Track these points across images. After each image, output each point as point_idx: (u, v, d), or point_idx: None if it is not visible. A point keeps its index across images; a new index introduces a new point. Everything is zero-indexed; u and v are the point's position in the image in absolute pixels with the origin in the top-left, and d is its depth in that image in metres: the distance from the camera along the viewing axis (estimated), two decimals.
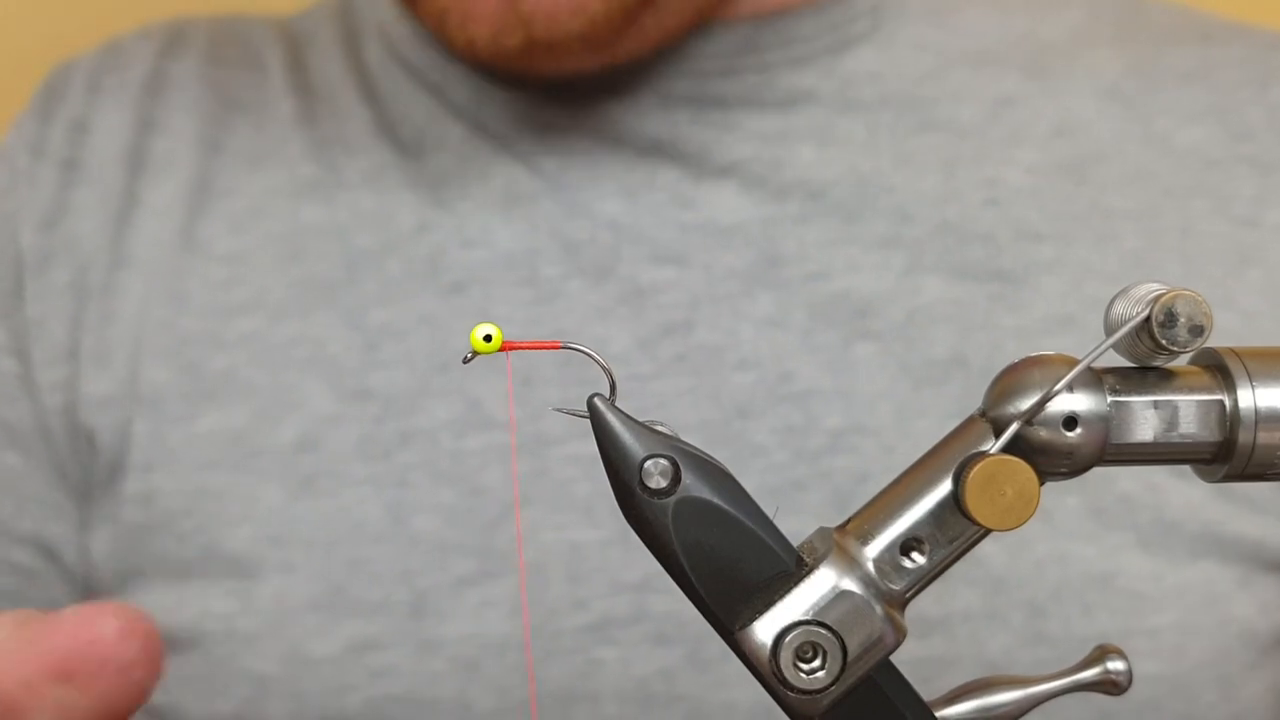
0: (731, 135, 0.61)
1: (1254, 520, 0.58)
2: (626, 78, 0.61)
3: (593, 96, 0.62)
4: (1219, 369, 0.36)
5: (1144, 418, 0.35)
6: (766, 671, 0.34)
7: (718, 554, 0.35)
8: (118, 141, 0.65)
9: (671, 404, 0.57)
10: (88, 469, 0.62)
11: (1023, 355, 0.57)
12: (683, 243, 0.60)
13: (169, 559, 0.59)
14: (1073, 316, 0.59)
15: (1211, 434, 0.35)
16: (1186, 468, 0.36)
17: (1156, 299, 0.34)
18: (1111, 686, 0.37)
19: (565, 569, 0.56)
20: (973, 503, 0.34)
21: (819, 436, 0.57)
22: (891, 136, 0.61)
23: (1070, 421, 0.35)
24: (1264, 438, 0.35)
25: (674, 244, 0.60)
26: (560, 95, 0.62)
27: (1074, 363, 0.35)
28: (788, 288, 0.59)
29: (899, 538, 0.35)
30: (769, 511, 0.35)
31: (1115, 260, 0.60)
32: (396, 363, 0.59)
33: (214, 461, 0.60)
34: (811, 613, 0.34)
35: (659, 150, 0.61)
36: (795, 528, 0.49)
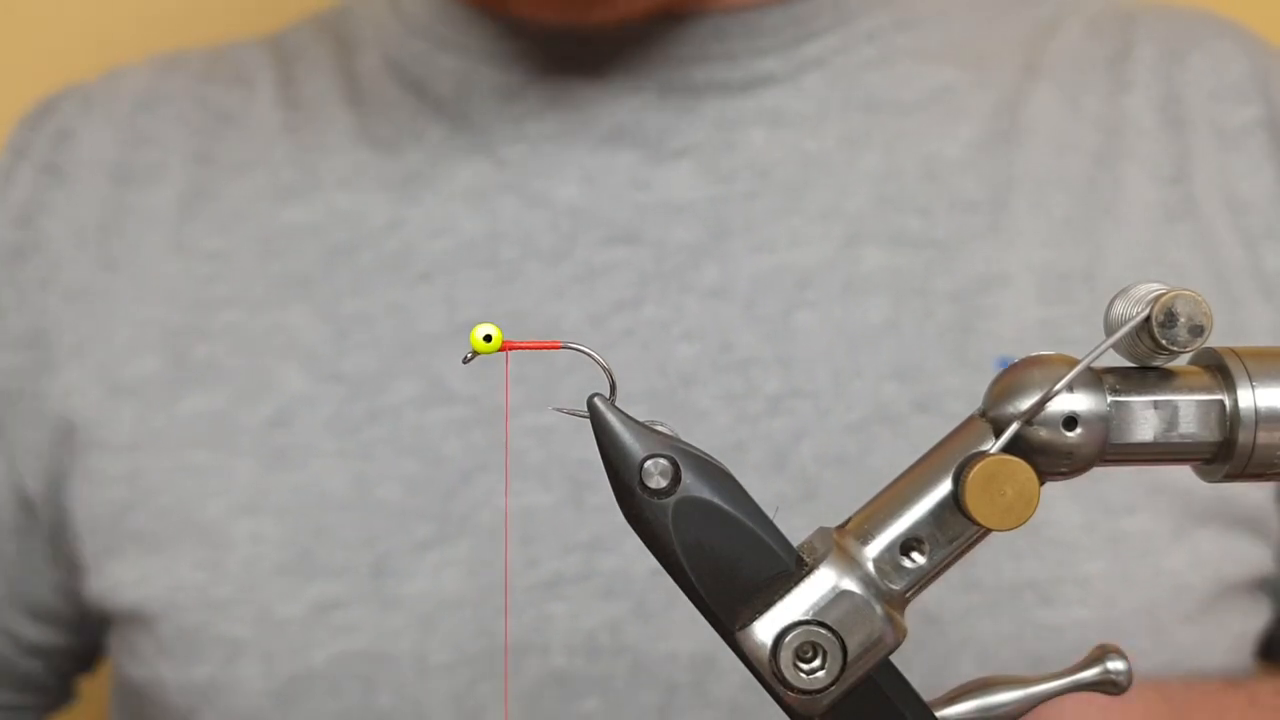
0: (689, 119, 0.64)
1: (1185, 472, 0.59)
2: (605, 61, 0.65)
3: (571, 78, 0.65)
4: (1219, 369, 0.36)
5: (1144, 418, 0.35)
6: (766, 671, 0.34)
7: (718, 554, 0.35)
8: (103, 155, 0.69)
9: (620, 375, 0.60)
10: (57, 450, 0.65)
11: (954, 316, 0.60)
12: (637, 222, 0.63)
13: (144, 534, 0.62)
14: (1006, 275, 0.62)
15: (1211, 434, 0.35)
16: None
17: (1156, 299, 0.34)
18: (1111, 686, 0.37)
19: (519, 530, 0.60)
20: (973, 502, 0.34)
21: (758, 401, 0.60)
22: (838, 117, 0.65)
23: (1070, 421, 0.35)
24: (1264, 437, 0.35)
25: (629, 224, 0.63)
26: (550, 70, 0.65)
27: (1074, 363, 0.35)
28: (734, 260, 0.62)
29: (899, 538, 0.35)
30: (769, 512, 0.35)
31: (1047, 223, 0.63)
32: (366, 347, 0.63)
33: (194, 440, 0.63)
34: (811, 613, 0.34)
35: (621, 135, 0.64)
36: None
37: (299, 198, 0.66)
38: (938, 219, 0.63)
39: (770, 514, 0.35)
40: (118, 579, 0.63)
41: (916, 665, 0.56)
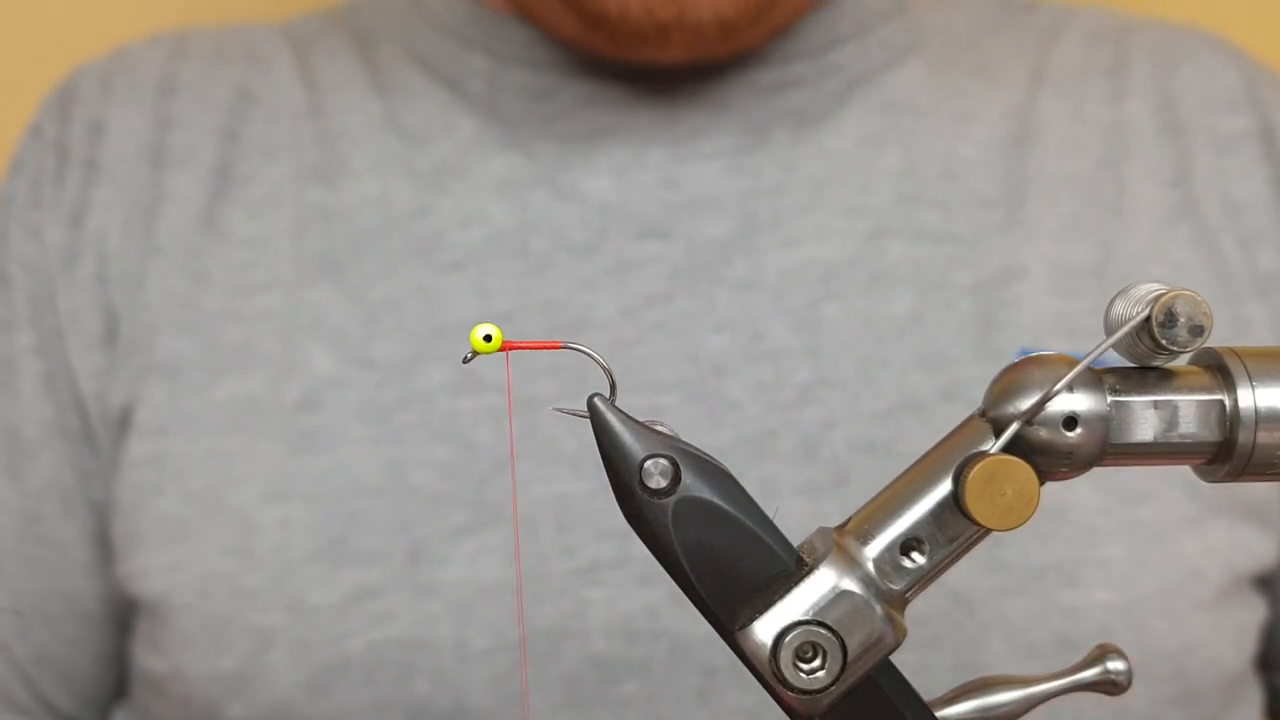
0: (719, 119, 0.65)
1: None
2: (639, 74, 0.65)
3: (603, 83, 0.66)
4: (1219, 369, 0.36)
5: (1144, 418, 0.35)
6: (766, 671, 0.34)
7: (718, 554, 0.35)
8: (137, 140, 0.68)
9: (652, 365, 0.62)
10: (113, 452, 0.65)
11: (975, 308, 0.62)
12: (667, 217, 0.64)
13: (169, 520, 0.62)
14: (1023, 268, 0.64)
15: (1211, 434, 0.35)
16: None
17: (1156, 299, 0.34)
18: (1111, 686, 0.37)
19: (554, 519, 0.60)
20: (973, 502, 0.34)
21: (789, 390, 0.62)
22: (858, 117, 0.66)
23: (1070, 421, 0.35)
24: (1264, 437, 0.35)
25: (659, 219, 0.64)
26: (583, 76, 0.66)
27: (1074, 363, 0.35)
28: (763, 254, 0.63)
29: (899, 537, 0.35)
30: (769, 511, 0.35)
31: (1057, 220, 0.65)
32: (395, 332, 0.63)
33: (226, 426, 0.63)
34: (811, 613, 0.34)
35: (652, 134, 0.65)
36: (769, 473, 0.61)
37: (327, 181, 0.66)
38: (956, 214, 0.65)
39: (770, 514, 0.35)
40: (145, 565, 0.62)
41: (949, 646, 0.58)
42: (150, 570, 0.62)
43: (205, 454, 0.63)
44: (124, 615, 0.66)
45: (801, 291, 0.63)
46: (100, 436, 0.65)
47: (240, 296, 0.65)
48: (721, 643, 0.57)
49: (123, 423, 0.65)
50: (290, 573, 0.60)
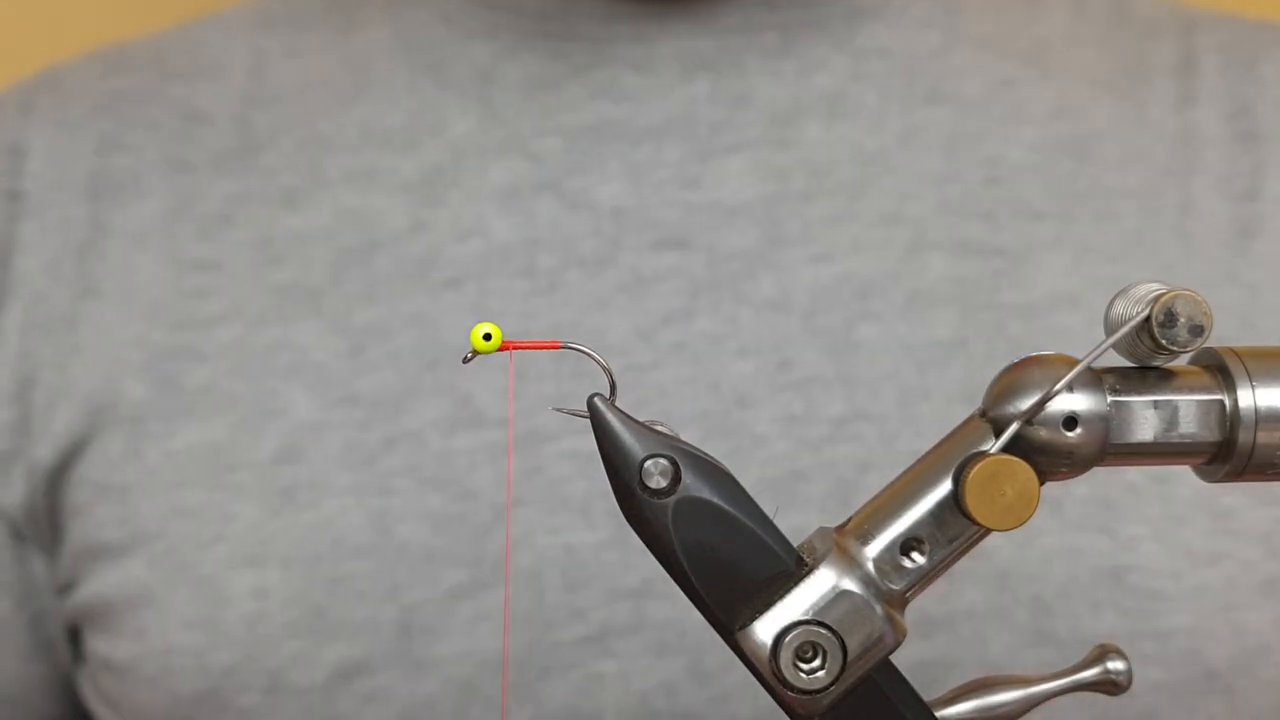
0: (742, 111, 0.60)
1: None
2: (648, 34, 0.60)
3: (613, 54, 0.60)
4: (1219, 369, 0.36)
5: (1144, 418, 0.35)
6: (766, 671, 0.34)
7: (718, 554, 0.35)
8: (67, 169, 0.62)
9: (671, 394, 0.56)
10: (49, 509, 0.60)
11: (1025, 335, 0.57)
12: (686, 224, 0.58)
13: (131, 585, 0.57)
14: (1075, 294, 0.58)
15: (1211, 434, 0.35)
16: None
17: (1156, 299, 0.34)
18: (1111, 687, 0.37)
19: (561, 575, 0.54)
20: (973, 502, 0.34)
21: (820, 425, 0.56)
22: (898, 111, 0.60)
23: (1070, 421, 0.35)
24: (1264, 437, 0.35)
25: (678, 226, 0.58)
26: (587, 45, 0.60)
27: (1074, 362, 0.35)
28: (790, 270, 0.58)
29: (899, 537, 0.35)
30: (769, 511, 0.35)
31: (1116, 238, 0.59)
32: (384, 364, 0.57)
33: (191, 479, 0.57)
34: (811, 612, 0.34)
35: (668, 127, 0.60)
36: (799, 521, 0.47)
37: (300, 199, 0.60)
38: (1002, 226, 0.59)
39: (770, 514, 0.35)
40: (102, 637, 0.58)
41: None
42: (117, 635, 0.57)
43: (168, 511, 0.57)
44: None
45: (834, 311, 0.57)
46: (35, 504, 0.60)
47: (197, 330, 0.59)
48: None
49: (53, 477, 0.59)
50: (267, 649, 0.55)
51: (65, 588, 0.60)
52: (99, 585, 0.58)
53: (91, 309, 0.60)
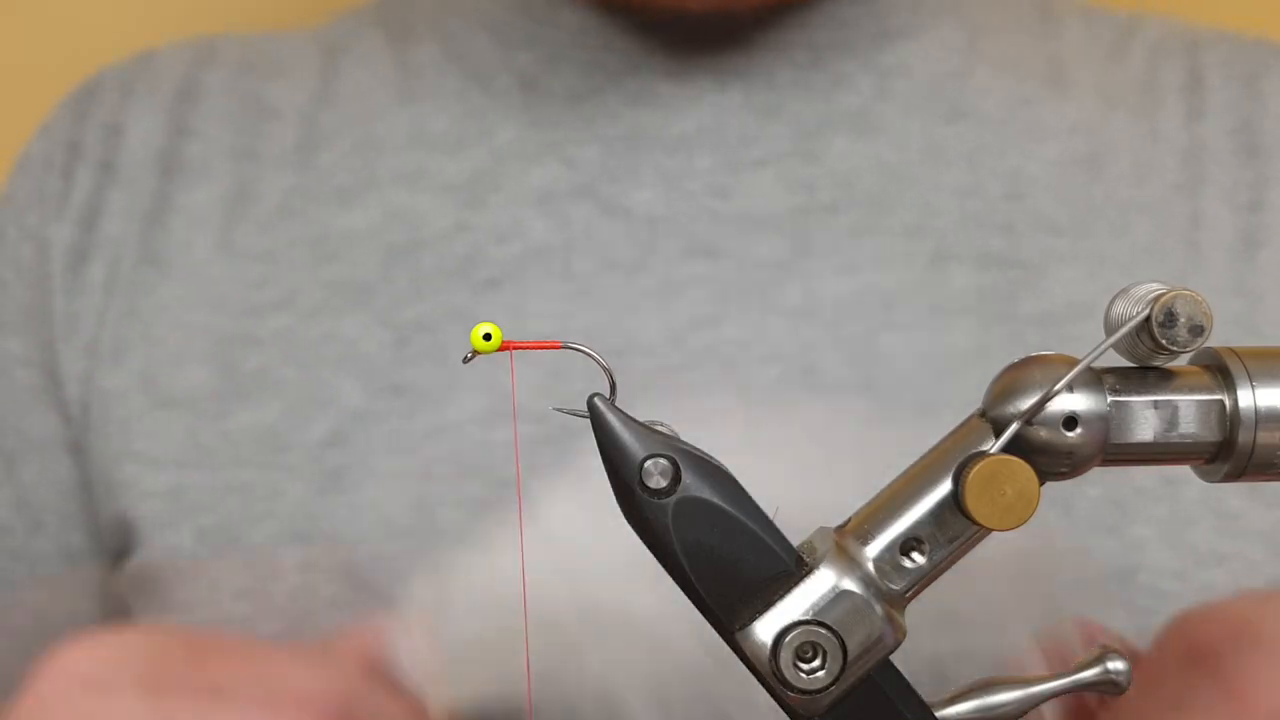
0: (774, 124, 0.63)
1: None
2: (682, 50, 0.62)
3: (647, 63, 0.63)
4: (1219, 369, 0.36)
5: (1144, 418, 0.35)
6: (766, 671, 0.34)
7: (718, 554, 0.35)
8: (150, 145, 0.66)
9: (699, 395, 0.59)
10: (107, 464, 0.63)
11: (1043, 344, 0.56)
12: (716, 233, 0.61)
13: (181, 556, 0.60)
14: (1092, 304, 0.58)
15: (1211, 434, 0.35)
16: None
17: (1156, 299, 0.34)
18: (1111, 687, 0.37)
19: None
20: (973, 502, 0.34)
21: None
22: (921, 128, 0.63)
23: (1070, 421, 0.35)
24: (1264, 437, 0.35)
25: (708, 235, 0.61)
26: (626, 66, 0.63)
27: (1074, 362, 0.35)
28: (817, 279, 0.60)
29: (899, 537, 0.35)
30: (769, 511, 0.35)
31: (1129, 250, 0.62)
32: (427, 358, 0.60)
33: (244, 458, 0.60)
34: (811, 612, 0.34)
35: (700, 138, 0.62)
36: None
37: (353, 198, 0.64)
38: (1022, 239, 0.61)
39: (770, 514, 0.35)
40: (159, 601, 0.60)
41: None
42: (165, 607, 0.60)
43: (221, 487, 0.60)
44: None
45: (859, 320, 0.59)
46: (92, 443, 0.63)
47: (254, 318, 0.62)
48: (760, 707, 0.55)
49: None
50: (310, 620, 0.57)
51: (117, 556, 0.63)
52: (148, 554, 0.61)
53: (151, 278, 0.64)
